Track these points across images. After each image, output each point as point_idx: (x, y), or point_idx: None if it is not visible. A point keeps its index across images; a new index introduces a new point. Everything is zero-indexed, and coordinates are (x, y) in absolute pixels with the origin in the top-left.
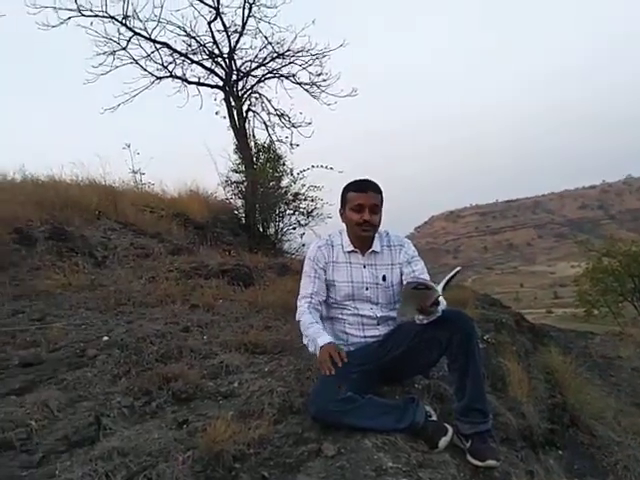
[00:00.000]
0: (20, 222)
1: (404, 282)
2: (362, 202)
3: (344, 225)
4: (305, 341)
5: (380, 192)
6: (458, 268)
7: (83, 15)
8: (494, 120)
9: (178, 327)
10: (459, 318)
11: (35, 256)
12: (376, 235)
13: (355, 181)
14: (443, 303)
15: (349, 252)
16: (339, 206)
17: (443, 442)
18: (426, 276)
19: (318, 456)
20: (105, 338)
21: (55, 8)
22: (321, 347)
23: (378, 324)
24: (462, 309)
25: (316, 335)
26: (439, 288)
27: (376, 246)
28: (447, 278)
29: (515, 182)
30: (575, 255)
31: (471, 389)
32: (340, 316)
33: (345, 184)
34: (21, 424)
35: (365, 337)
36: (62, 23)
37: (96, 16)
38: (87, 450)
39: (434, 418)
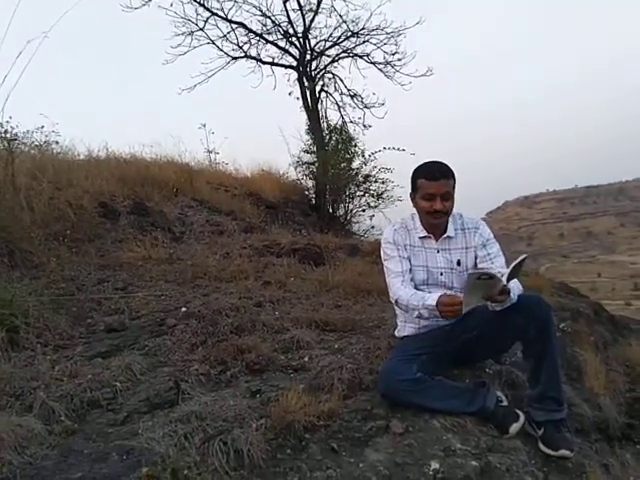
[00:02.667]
0: (105, 197)
1: (478, 266)
2: (433, 191)
3: (416, 211)
4: (415, 314)
5: (452, 177)
6: (524, 256)
7: None
8: (574, 100)
9: (251, 302)
10: (537, 304)
11: (118, 229)
12: (450, 219)
13: (426, 166)
14: (519, 288)
15: (422, 237)
16: (410, 190)
17: (514, 428)
18: (501, 259)
19: (386, 433)
20: (183, 309)
21: None
22: (437, 303)
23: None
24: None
25: (424, 299)
26: (504, 277)
27: (450, 231)
28: (512, 266)
29: (597, 167)
30: None
31: (546, 377)
32: None
33: (415, 167)
34: (107, 385)
35: (438, 321)
36: (144, 4)
37: None
38: (167, 412)
39: (505, 404)
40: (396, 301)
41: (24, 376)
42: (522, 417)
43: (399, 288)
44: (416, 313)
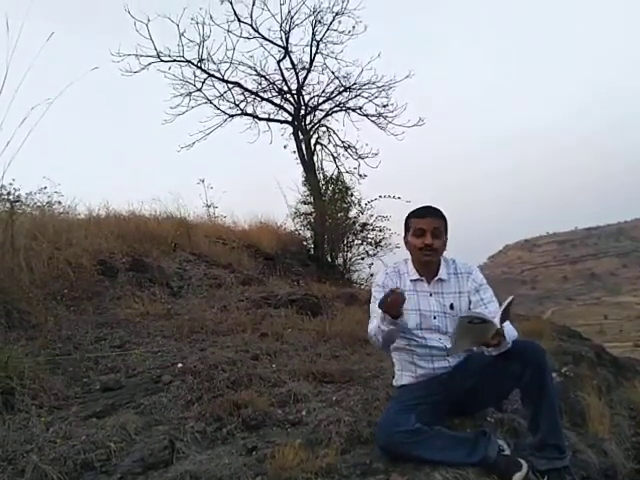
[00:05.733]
0: (104, 254)
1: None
2: (423, 226)
3: (409, 253)
4: (380, 335)
5: (442, 217)
6: (511, 298)
7: (162, 61)
8: (567, 139)
9: (248, 355)
10: (531, 349)
11: (117, 286)
12: (442, 262)
13: (417, 207)
14: (514, 334)
15: (414, 280)
16: (403, 234)
17: (517, 478)
18: (495, 304)
19: None
20: (179, 365)
21: (137, 55)
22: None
23: (447, 355)
24: (537, 340)
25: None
26: (496, 321)
27: (442, 274)
28: (501, 310)
29: (596, 208)
30: None
31: (546, 423)
32: (408, 347)
33: (408, 212)
34: (101, 446)
35: (434, 369)
36: (143, 69)
37: (174, 61)
38: (161, 473)
39: (507, 453)
40: (370, 337)
41: (18, 439)
42: (525, 466)
43: (370, 322)
44: (380, 331)
